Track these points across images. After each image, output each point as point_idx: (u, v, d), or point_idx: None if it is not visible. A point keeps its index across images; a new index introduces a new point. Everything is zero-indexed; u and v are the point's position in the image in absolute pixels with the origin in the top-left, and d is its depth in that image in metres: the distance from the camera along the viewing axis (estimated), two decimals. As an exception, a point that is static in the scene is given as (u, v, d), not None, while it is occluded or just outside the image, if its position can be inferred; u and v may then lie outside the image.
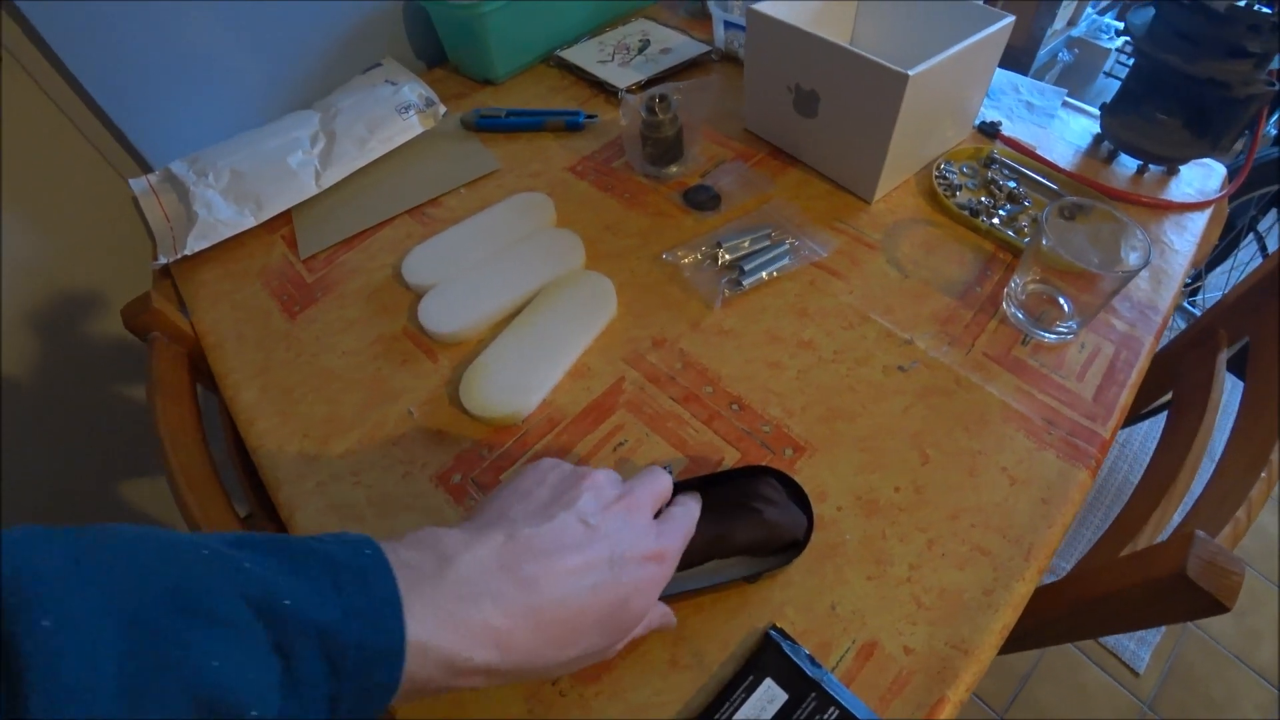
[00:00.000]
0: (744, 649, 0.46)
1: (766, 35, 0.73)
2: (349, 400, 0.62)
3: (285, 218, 0.80)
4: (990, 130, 0.82)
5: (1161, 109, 0.74)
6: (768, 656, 0.44)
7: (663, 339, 0.64)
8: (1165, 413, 0.77)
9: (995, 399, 0.58)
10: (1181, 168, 0.77)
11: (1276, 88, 0.67)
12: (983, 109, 0.84)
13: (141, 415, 0.63)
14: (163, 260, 0.74)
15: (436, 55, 1.05)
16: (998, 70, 0.81)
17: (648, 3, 1.10)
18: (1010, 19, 0.70)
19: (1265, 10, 0.64)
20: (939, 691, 0.43)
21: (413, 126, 0.85)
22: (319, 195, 0.80)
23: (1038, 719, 1.32)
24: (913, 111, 0.66)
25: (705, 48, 0.96)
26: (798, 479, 0.51)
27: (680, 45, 0.97)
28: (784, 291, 0.67)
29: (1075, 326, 0.61)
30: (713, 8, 0.95)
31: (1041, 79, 0.93)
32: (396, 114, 0.84)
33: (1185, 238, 0.71)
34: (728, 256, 0.68)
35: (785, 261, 0.68)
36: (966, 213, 0.72)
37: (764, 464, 0.53)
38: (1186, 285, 1.62)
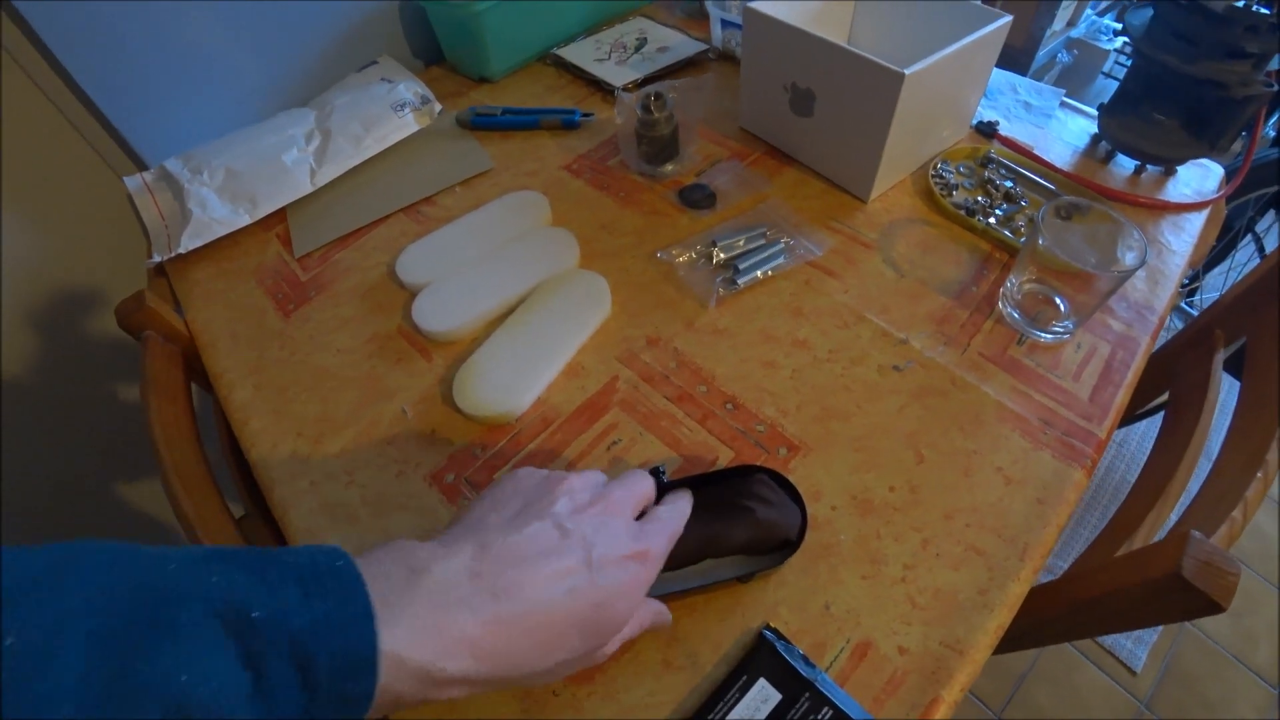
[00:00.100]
0: (737, 649, 0.45)
1: (763, 34, 0.73)
2: (343, 399, 0.62)
3: (280, 216, 0.79)
4: (987, 130, 0.82)
5: (1159, 109, 0.73)
6: (761, 656, 0.44)
7: (657, 338, 0.64)
8: (1162, 413, 0.77)
9: (991, 399, 0.58)
10: (1179, 168, 0.77)
11: (1274, 88, 0.67)
12: (980, 109, 0.84)
13: (139, 414, 0.62)
14: (157, 258, 0.73)
15: (433, 54, 1.05)
16: (995, 70, 0.81)
17: (645, 1, 1.10)
18: (1008, 19, 0.70)
19: (1263, 11, 0.64)
20: (933, 691, 0.43)
21: (408, 124, 0.85)
22: (314, 193, 0.80)
23: (1035, 718, 1.32)
24: (909, 111, 0.66)
25: (702, 46, 0.96)
26: (792, 479, 0.50)
27: (677, 44, 0.97)
28: (779, 291, 0.67)
29: (1071, 326, 0.61)
30: (710, 7, 0.95)
31: (1041, 80, 0.93)
32: (392, 112, 0.84)
33: (1182, 238, 0.71)
34: (723, 255, 0.68)
35: (780, 261, 0.68)
36: (963, 212, 0.71)
37: (758, 463, 0.53)
38: (1184, 286, 1.62)
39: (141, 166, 0.85)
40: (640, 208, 0.76)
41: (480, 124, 0.88)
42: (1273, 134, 1.58)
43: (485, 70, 0.96)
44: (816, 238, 0.71)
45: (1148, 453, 0.71)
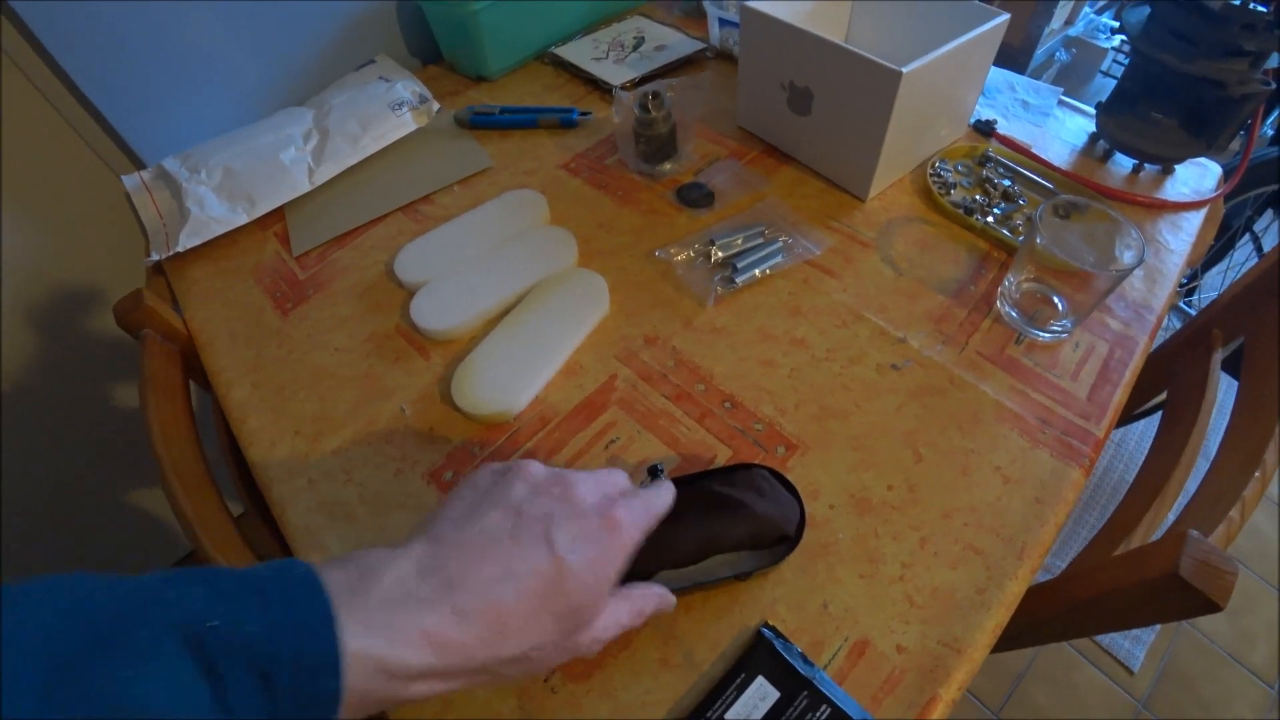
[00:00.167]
0: (735, 647, 0.45)
1: (761, 32, 0.73)
2: (341, 398, 0.62)
3: (278, 215, 0.79)
4: (985, 128, 0.82)
5: (1157, 108, 0.73)
6: (759, 655, 0.44)
7: (655, 337, 0.64)
8: (1160, 413, 0.77)
9: (989, 398, 0.58)
10: (1177, 167, 0.77)
11: (1272, 87, 0.67)
12: (978, 107, 0.84)
13: (138, 413, 0.62)
14: (155, 257, 0.73)
15: (431, 53, 1.05)
16: (993, 68, 0.81)
17: (643, 0, 1.09)
18: (1005, 16, 0.70)
19: (1261, 9, 0.64)
20: (931, 690, 0.43)
21: (406, 123, 0.85)
22: (312, 192, 0.80)
23: (1032, 717, 1.32)
24: (907, 109, 0.66)
25: (700, 45, 0.96)
26: (790, 477, 0.50)
27: (675, 43, 0.97)
28: (777, 289, 0.67)
29: (1069, 325, 0.61)
30: (708, 5, 0.95)
31: (1039, 79, 0.93)
32: (390, 111, 0.84)
33: (1180, 237, 0.71)
34: (720, 254, 0.68)
35: (778, 259, 0.68)
36: (961, 211, 0.71)
37: (756, 462, 0.53)
38: (1182, 286, 1.62)
39: (140, 166, 0.85)
40: (638, 206, 0.76)
41: (478, 123, 0.88)
42: (1270, 133, 1.58)
43: (483, 69, 0.95)
44: (815, 236, 0.71)
45: (1145, 452, 0.71)
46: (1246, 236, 1.67)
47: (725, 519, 0.46)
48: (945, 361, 0.60)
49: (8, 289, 0.93)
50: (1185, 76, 0.68)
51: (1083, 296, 0.59)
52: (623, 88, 0.90)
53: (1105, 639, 1.40)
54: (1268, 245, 1.68)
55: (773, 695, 0.42)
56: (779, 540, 0.48)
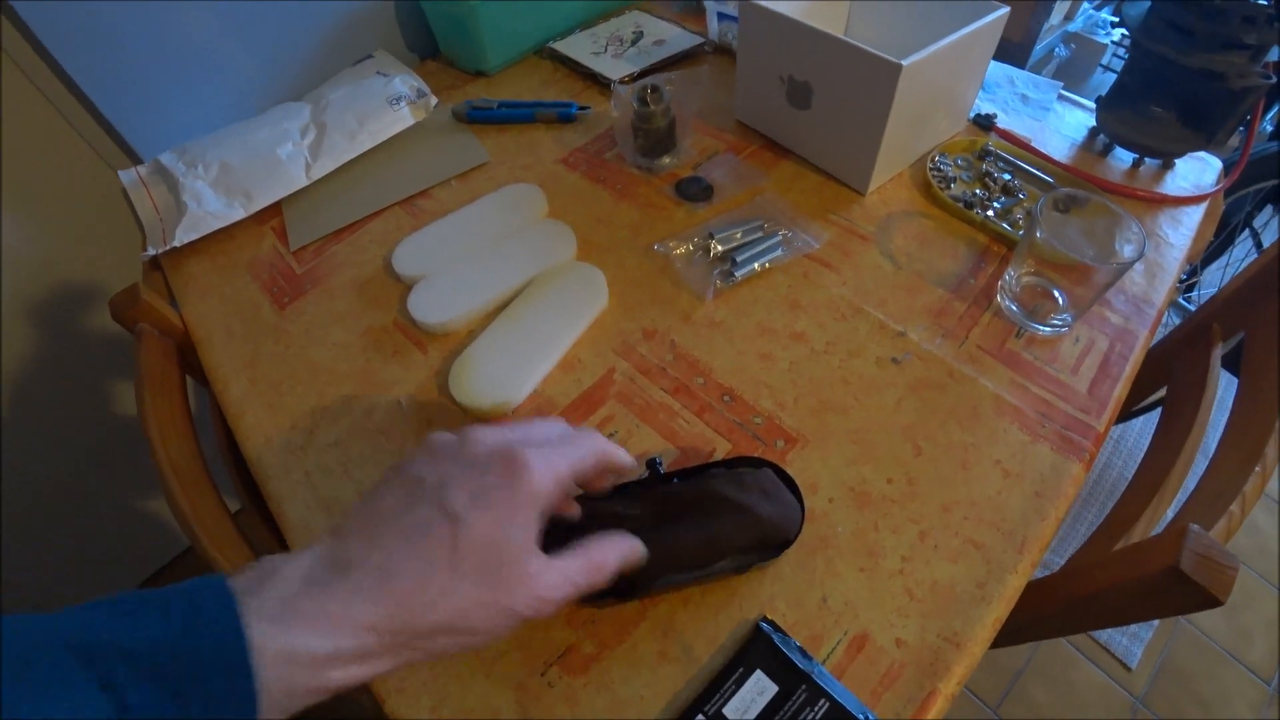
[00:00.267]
0: (733, 641, 0.45)
1: (760, 26, 0.73)
2: (338, 392, 0.62)
3: (275, 209, 0.79)
4: (985, 123, 0.81)
5: (1157, 102, 0.73)
6: (758, 648, 0.44)
7: (654, 331, 0.63)
8: (1159, 409, 0.77)
9: (989, 391, 0.58)
10: (1177, 162, 0.77)
11: (1272, 80, 0.67)
12: (977, 101, 0.84)
13: (136, 409, 0.62)
14: (152, 252, 0.73)
15: (429, 48, 1.05)
16: (993, 63, 0.81)
17: (642, -5, 1.09)
18: (1005, 10, 0.69)
19: (1261, 2, 0.64)
20: (930, 685, 0.43)
21: (404, 118, 0.84)
22: (309, 187, 0.80)
23: (1030, 714, 1.32)
24: (906, 103, 0.66)
25: (699, 40, 0.96)
26: (789, 471, 0.50)
27: (674, 37, 0.97)
28: (776, 284, 0.67)
29: (1069, 319, 0.61)
30: (707, 1, 0.94)
31: (1038, 74, 0.93)
32: (387, 105, 0.84)
33: (1180, 232, 0.71)
34: (720, 248, 0.68)
35: (778, 253, 0.68)
36: (961, 205, 0.71)
37: (756, 455, 0.53)
38: (1181, 282, 1.62)
39: (137, 162, 0.85)
40: (636, 201, 0.76)
41: (476, 118, 0.88)
42: (1270, 128, 1.58)
43: (481, 64, 0.95)
44: (813, 230, 0.70)
45: (1144, 449, 0.71)
46: (1246, 232, 1.67)
47: (732, 524, 0.45)
48: (945, 355, 0.60)
49: (5, 285, 0.93)
50: (1185, 70, 0.68)
51: (1083, 290, 0.58)
52: (621, 82, 0.90)
53: (1103, 636, 1.40)
54: (1267, 241, 1.68)
55: (771, 689, 0.42)
56: (781, 544, 0.47)
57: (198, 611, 0.28)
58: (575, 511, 0.43)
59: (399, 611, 0.30)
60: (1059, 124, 0.83)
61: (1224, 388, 0.69)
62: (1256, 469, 0.55)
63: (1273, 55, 0.67)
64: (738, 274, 0.66)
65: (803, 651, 0.44)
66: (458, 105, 0.89)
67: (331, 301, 0.69)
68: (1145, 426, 1.69)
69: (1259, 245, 1.69)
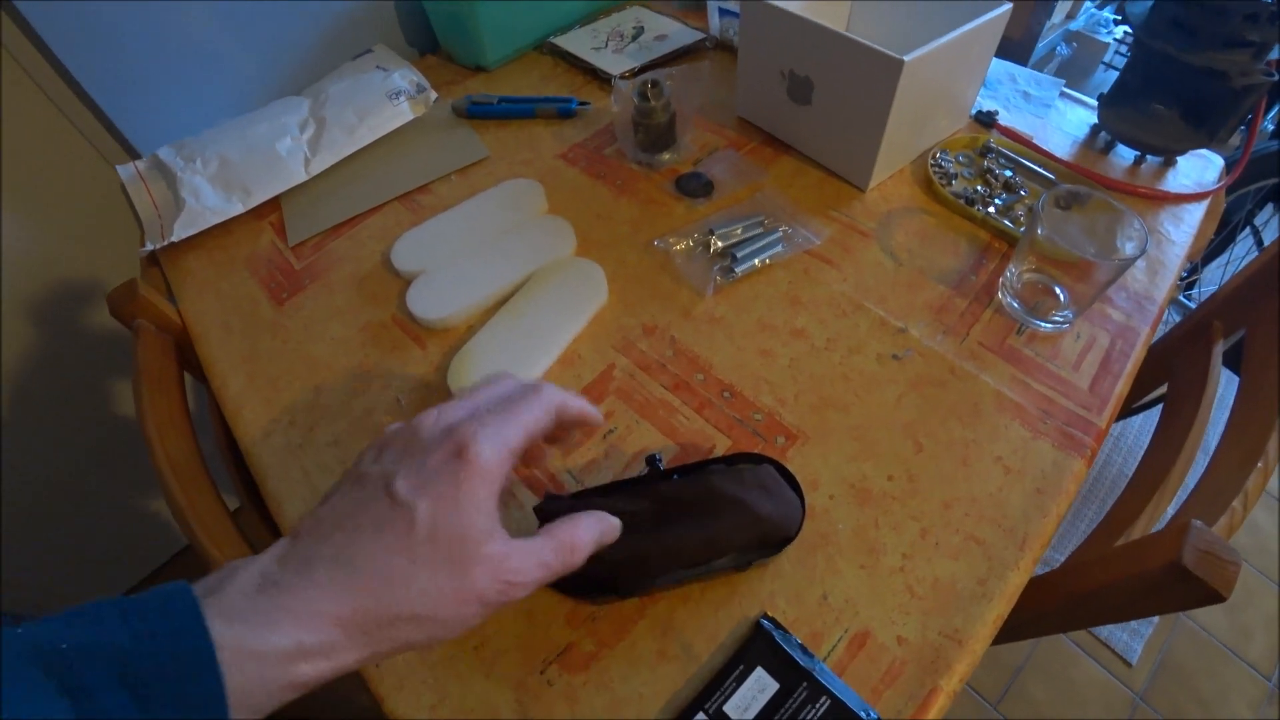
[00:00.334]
0: (734, 639, 0.45)
1: (761, 21, 0.72)
2: (336, 388, 0.62)
3: (274, 204, 0.79)
4: (986, 119, 0.81)
5: (1159, 100, 0.73)
6: (759, 646, 0.44)
7: (653, 326, 0.63)
8: (1159, 406, 0.77)
9: (990, 388, 0.58)
10: (1179, 159, 0.77)
11: (1275, 78, 0.67)
12: (979, 98, 0.83)
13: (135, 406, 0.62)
14: (150, 247, 0.73)
15: (428, 43, 1.04)
16: (994, 60, 0.81)
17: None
18: (1007, 6, 0.69)
19: (1264, 0, 0.63)
20: (932, 682, 0.43)
21: (403, 113, 0.84)
22: (308, 182, 0.79)
23: (1030, 711, 1.32)
24: (908, 99, 0.65)
25: (700, 35, 0.95)
26: (790, 468, 0.50)
27: (675, 33, 0.96)
28: (776, 280, 0.66)
29: (1071, 316, 0.61)
30: (708, -5, 0.94)
31: (1040, 72, 0.93)
32: (387, 100, 0.83)
33: (1182, 229, 0.71)
34: (720, 244, 0.68)
35: (778, 249, 0.67)
36: (962, 201, 0.71)
37: (759, 452, 0.53)
38: (1182, 280, 1.62)
39: (135, 157, 0.85)
40: (636, 196, 0.76)
41: (476, 113, 0.88)
42: (1271, 126, 1.58)
43: (481, 59, 0.95)
44: (814, 226, 0.70)
45: (1144, 446, 0.70)
46: (1246, 230, 1.67)
47: (732, 521, 0.45)
48: (946, 352, 0.60)
49: (3, 282, 0.93)
50: (1187, 67, 0.68)
51: (1084, 287, 0.58)
52: (622, 77, 0.89)
53: (1103, 632, 1.40)
54: (1268, 239, 1.68)
55: (772, 687, 0.42)
56: (782, 541, 0.47)
57: (159, 614, 0.27)
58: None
59: (360, 604, 0.30)
60: (1061, 121, 0.83)
61: (1224, 385, 0.69)
62: (1259, 465, 0.55)
63: (1275, 53, 0.67)
64: (738, 270, 0.66)
65: (804, 649, 0.44)
66: (457, 100, 0.89)
67: (330, 297, 0.69)
68: (1145, 424, 1.68)
69: (1260, 243, 1.68)
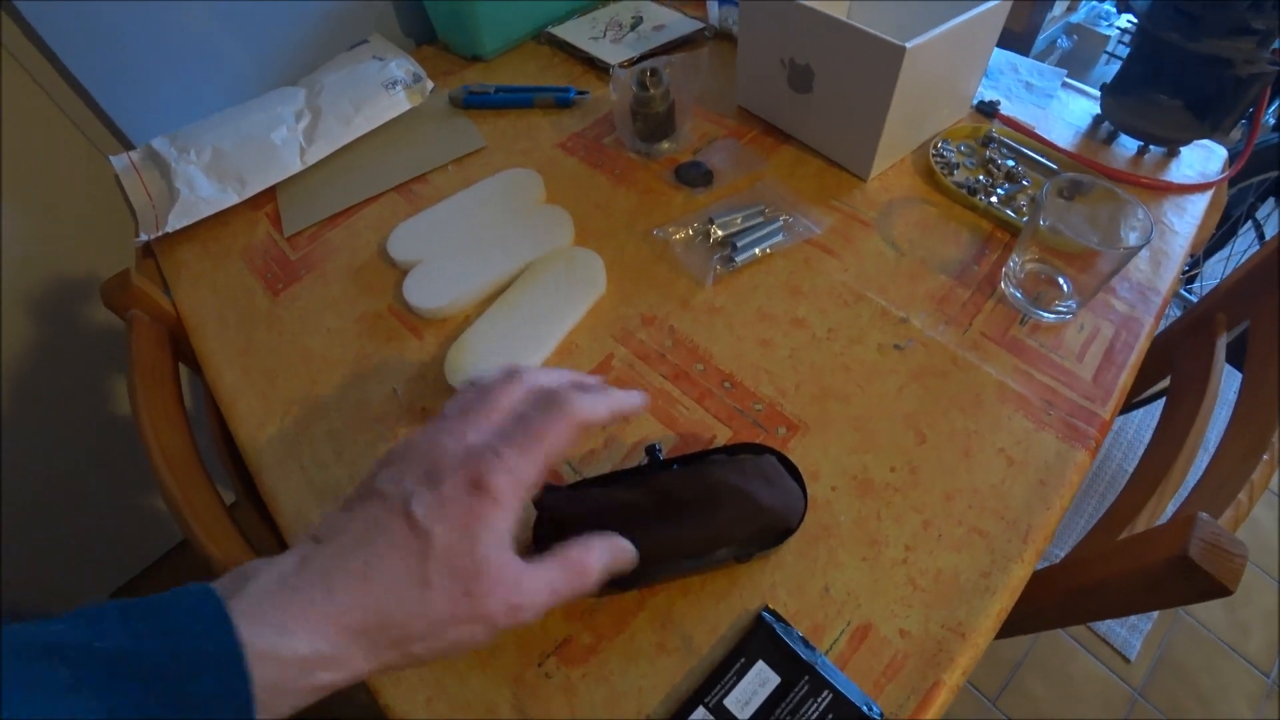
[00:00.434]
0: (734, 632, 0.44)
1: (761, 8, 0.72)
2: (332, 379, 0.61)
3: (269, 195, 0.78)
4: (988, 109, 0.80)
5: (1162, 89, 0.72)
6: (760, 639, 0.43)
7: (652, 316, 0.63)
8: (1160, 400, 0.76)
9: (992, 379, 0.57)
10: (1182, 150, 0.76)
11: (1279, 68, 0.66)
12: (981, 88, 0.83)
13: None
14: (144, 238, 0.72)
15: (425, 33, 1.03)
16: (996, 50, 0.80)
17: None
18: (1008, -6, 0.68)
19: (1269, -12, 0.63)
20: (934, 676, 0.42)
21: (400, 103, 0.83)
22: (304, 172, 0.78)
23: (1029, 707, 1.32)
24: (910, 87, 0.65)
25: (699, 25, 0.95)
26: (791, 458, 0.49)
27: (673, 22, 0.95)
28: (776, 269, 0.66)
29: (1074, 306, 0.60)
30: (707, -15, 0.93)
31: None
32: (383, 90, 0.82)
33: (1185, 220, 0.70)
34: (720, 233, 0.67)
35: (779, 239, 0.67)
36: (964, 191, 0.70)
37: (760, 442, 0.52)
38: (1183, 273, 1.61)
39: (129, 147, 0.84)
40: (635, 186, 0.75)
41: (473, 102, 0.87)
42: (1273, 120, 1.57)
43: (478, 49, 0.94)
44: (815, 216, 0.69)
45: (1145, 441, 0.70)
46: (1248, 224, 1.66)
47: (733, 512, 0.44)
48: (948, 342, 0.59)
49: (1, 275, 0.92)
50: (1191, 56, 0.67)
51: (1087, 277, 0.58)
52: (620, 66, 0.88)
53: (1102, 628, 1.39)
54: (1270, 232, 1.67)
55: (773, 680, 0.41)
56: (783, 532, 0.47)
57: (188, 615, 0.28)
58: None
59: (375, 620, 0.30)
60: (1063, 111, 0.82)
61: (1225, 381, 0.68)
62: (1264, 457, 0.55)
63: (1279, 43, 0.66)
64: (738, 259, 0.65)
65: (805, 642, 0.43)
66: (454, 90, 0.88)
67: (326, 288, 0.68)
68: (1146, 419, 1.68)
69: (1261, 237, 1.68)
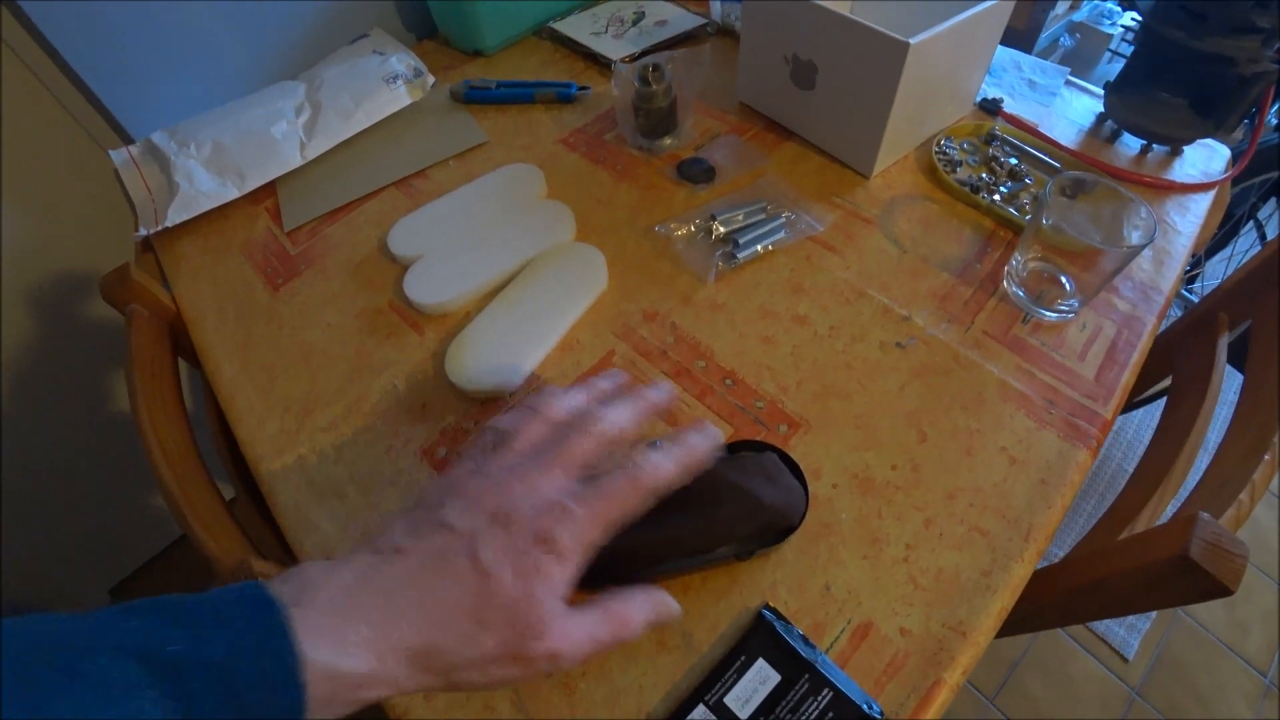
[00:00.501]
0: (734, 630, 0.44)
1: (764, 4, 0.71)
2: (332, 375, 0.61)
3: (269, 189, 0.78)
4: (991, 107, 0.80)
5: (1166, 88, 0.72)
6: (760, 637, 0.43)
7: (654, 313, 0.62)
8: (1160, 400, 0.76)
9: (994, 377, 0.57)
10: (1185, 149, 0.76)
11: (1283, 67, 0.66)
12: (984, 86, 0.82)
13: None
14: (144, 232, 0.72)
15: (426, 27, 1.03)
16: (999, 48, 0.80)
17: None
18: (1014, -9, 0.68)
19: (1274, -15, 0.63)
20: (935, 674, 0.42)
21: (400, 97, 0.83)
22: (304, 167, 0.78)
23: (1027, 706, 1.32)
24: (913, 83, 0.64)
25: (701, 20, 0.94)
26: (792, 456, 0.49)
27: (676, 18, 0.95)
28: (778, 266, 0.65)
29: (1076, 305, 0.60)
30: (710, -20, 0.93)
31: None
32: (384, 84, 0.82)
33: (1188, 219, 0.70)
34: (722, 229, 0.67)
35: (781, 235, 0.67)
36: (967, 189, 0.70)
37: (762, 440, 0.52)
38: (1185, 273, 1.61)
39: (129, 143, 0.83)
40: (637, 182, 0.75)
41: (474, 97, 0.86)
42: (1275, 120, 1.57)
43: (479, 44, 0.94)
44: (817, 213, 0.69)
45: (1145, 441, 0.70)
46: (1249, 225, 1.66)
47: (734, 510, 0.44)
48: (950, 340, 0.59)
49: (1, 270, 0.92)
50: (1195, 54, 0.67)
51: (1090, 276, 0.57)
52: (622, 62, 0.88)
53: (1100, 627, 1.40)
54: (1271, 233, 1.67)
55: (774, 678, 0.41)
56: (785, 530, 0.47)
57: (253, 625, 0.28)
58: None
59: (428, 646, 0.31)
60: (1066, 109, 0.82)
61: (1226, 382, 0.68)
62: (1266, 457, 0.54)
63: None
64: (740, 256, 0.65)
65: (806, 640, 0.43)
66: (455, 85, 0.88)
67: (326, 283, 0.68)
68: (1145, 419, 1.68)
69: (1263, 237, 1.67)
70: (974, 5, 0.66)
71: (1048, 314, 0.60)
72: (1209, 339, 0.71)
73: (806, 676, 0.41)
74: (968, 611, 0.45)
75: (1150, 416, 1.66)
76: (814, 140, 0.77)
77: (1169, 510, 0.57)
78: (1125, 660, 1.36)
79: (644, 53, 0.90)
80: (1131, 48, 0.76)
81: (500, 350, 0.58)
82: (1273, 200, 1.60)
